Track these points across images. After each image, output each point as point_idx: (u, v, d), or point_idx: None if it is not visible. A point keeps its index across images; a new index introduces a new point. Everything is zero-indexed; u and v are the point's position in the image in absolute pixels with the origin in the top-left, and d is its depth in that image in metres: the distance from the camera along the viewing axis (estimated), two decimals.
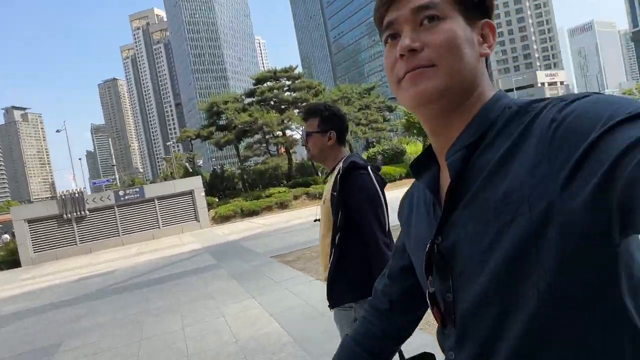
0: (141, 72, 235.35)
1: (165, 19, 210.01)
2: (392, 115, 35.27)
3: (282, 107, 28.09)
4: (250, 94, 29.04)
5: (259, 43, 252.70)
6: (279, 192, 23.87)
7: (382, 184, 1.88)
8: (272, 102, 28.28)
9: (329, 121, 1.95)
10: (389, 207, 1.84)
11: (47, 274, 13.62)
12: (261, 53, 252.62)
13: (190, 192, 20.59)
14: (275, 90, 27.79)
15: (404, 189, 0.88)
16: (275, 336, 4.24)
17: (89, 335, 5.50)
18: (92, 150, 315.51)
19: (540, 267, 0.50)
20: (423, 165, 0.71)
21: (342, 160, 1.91)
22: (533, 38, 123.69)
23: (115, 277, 10.30)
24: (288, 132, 28.46)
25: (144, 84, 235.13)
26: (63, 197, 18.57)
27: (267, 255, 9.34)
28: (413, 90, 0.61)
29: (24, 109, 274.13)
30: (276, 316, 4.88)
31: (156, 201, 20.00)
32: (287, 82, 29.03)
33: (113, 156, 45.81)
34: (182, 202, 20.51)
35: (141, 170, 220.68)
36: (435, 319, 0.67)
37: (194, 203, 20.59)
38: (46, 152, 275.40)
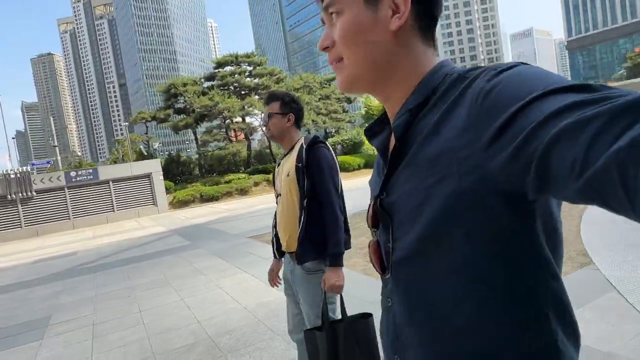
0: (81, 49, 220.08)
1: None
2: (350, 107, 35.95)
3: (243, 92, 27.73)
4: (210, 77, 28.39)
5: (211, 26, 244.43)
6: (239, 178, 23.70)
7: (336, 154, 2.30)
8: (232, 87, 27.81)
9: (288, 105, 2.21)
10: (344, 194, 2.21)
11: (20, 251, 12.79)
12: (213, 37, 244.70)
13: (148, 176, 19.95)
14: (237, 75, 27.36)
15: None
16: (283, 303, 4.50)
17: (79, 309, 5.43)
18: (23, 130, 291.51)
19: (463, 223, 0.56)
20: (376, 131, 0.78)
21: (302, 139, 2.19)
22: (479, 40, 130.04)
23: (80, 258, 9.94)
24: (247, 119, 28.20)
25: (84, 61, 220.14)
26: (7, 176, 17.31)
27: (242, 236, 9.45)
28: (337, 80, 0.72)
29: None
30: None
31: (111, 184, 19.18)
32: (249, 68, 28.66)
33: (55, 137, 42.71)
34: (139, 186, 19.83)
35: (79, 153, 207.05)
36: (376, 267, 0.75)
37: (152, 187, 19.98)
38: None
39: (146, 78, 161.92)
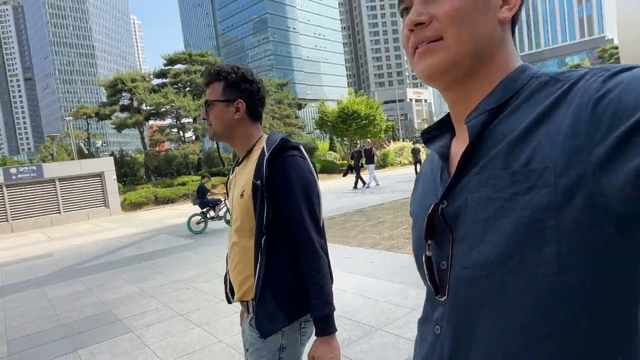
0: None
1: None
2: (301, 113, 36.31)
3: (196, 92, 26.78)
4: (161, 74, 27.03)
5: (134, 23, 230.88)
6: (193, 180, 22.78)
7: (316, 170, 1.53)
8: (186, 86, 26.71)
9: (235, 87, 1.48)
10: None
11: None
12: (136, 34, 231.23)
13: (100, 175, 18.41)
14: (192, 75, 26.35)
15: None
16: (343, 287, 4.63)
17: (140, 302, 5.05)
18: None
19: (556, 243, 0.47)
20: (434, 135, 0.71)
21: (264, 140, 1.48)
22: (405, 59, 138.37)
23: (61, 260, 8.99)
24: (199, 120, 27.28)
25: None
26: None
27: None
28: (422, 65, 0.60)
29: None
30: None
31: (57, 182, 17.39)
32: (201, 68, 27.78)
33: None
34: (89, 185, 18.20)
35: None
36: (428, 284, 0.64)
37: (104, 187, 18.47)
38: None
39: (59, 73, 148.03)
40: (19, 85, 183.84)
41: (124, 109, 25.68)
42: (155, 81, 27.09)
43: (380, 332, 3.40)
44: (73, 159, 26.08)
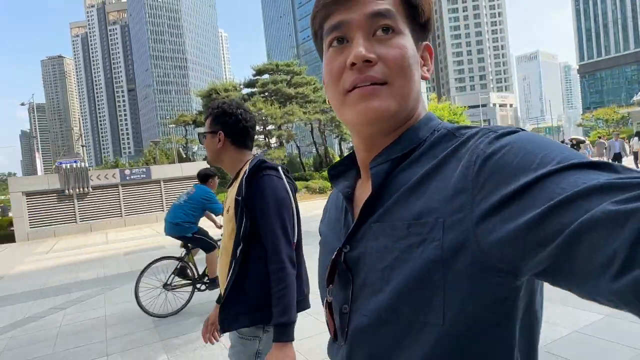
0: (92, 53, 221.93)
1: (123, 0, 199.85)
2: None
3: (282, 100, 28.20)
4: (250, 84, 28.88)
5: (221, 36, 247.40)
6: None
7: (294, 189, 1.69)
8: (273, 95, 28.27)
9: (217, 120, 1.72)
10: (300, 217, 1.68)
11: (68, 248, 12.93)
12: (222, 46, 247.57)
13: None
14: (278, 84, 27.84)
15: None
16: None
17: None
18: (28, 130, 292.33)
19: (442, 294, 0.49)
20: (341, 171, 0.71)
21: (248, 162, 1.68)
22: (489, 61, 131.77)
23: (174, 252, 10.09)
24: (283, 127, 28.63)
25: (94, 65, 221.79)
26: (66, 171, 17.54)
27: None
28: (362, 107, 0.57)
29: None
30: None
31: (162, 183, 19.41)
32: (286, 77, 29.15)
33: (83, 137, 43.06)
34: (188, 186, 20.03)
35: (82, 155, 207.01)
36: (329, 330, 0.65)
37: None
38: None
39: (156, 84, 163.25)
40: (123, 95, 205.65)
41: None
42: (245, 90, 28.95)
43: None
44: (172, 162, 28.75)
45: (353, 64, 0.56)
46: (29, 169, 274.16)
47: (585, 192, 0.37)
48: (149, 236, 13.89)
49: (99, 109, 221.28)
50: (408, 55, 0.57)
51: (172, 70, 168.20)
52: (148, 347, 4.04)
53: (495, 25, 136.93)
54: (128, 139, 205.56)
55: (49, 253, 12.29)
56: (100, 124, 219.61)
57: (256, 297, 1.56)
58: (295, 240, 1.61)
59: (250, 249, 1.57)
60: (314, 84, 29.78)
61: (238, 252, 1.56)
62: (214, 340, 1.82)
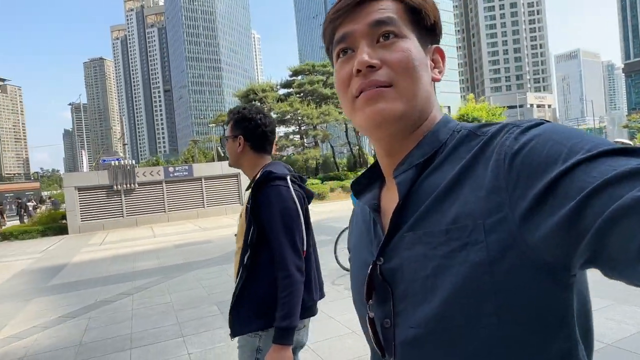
0: (131, 55, 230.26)
1: (160, 3, 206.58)
2: None
3: (317, 100, 28.50)
4: (287, 85, 29.35)
5: (254, 37, 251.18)
6: (312, 184, 24.24)
7: (305, 197, 1.72)
8: (308, 95, 28.62)
9: (238, 124, 1.78)
10: (312, 226, 1.72)
11: (118, 240, 13.61)
12: (255, 47, 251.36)
13: (236, 175, 20.72)
14: (315, 84, 28.18)
15: None
16: None
17: None
18: (70, 129, 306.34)
19: (494, 297, 0.48)
20: (365, 184, 0.71)
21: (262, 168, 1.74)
22: (526, 60, 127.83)
23: (220, 246, 10.49)
24: (318, 127, 28.90)
25: (132, 66, 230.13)
26: (115, 168, 18.43)
27: None
28: (370, 110, 0.58)
29: (3, 79, 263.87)
30: None
31: (203, 180, 20.05)
32: (322, 77, 29.43)
33: (125, 136, 44.75)
34: (227, 184, 20.63)
35: (121, 154, 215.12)
36: (375, 347, 0.63)
37: (239, 186, 20.74)
38: (23, 126, 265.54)
39: (191, 85, 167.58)
40: (159, 96, 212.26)
41: None
42: (281, 91, 29.47)
43: None
44: (209, 160, 29.54)
45: (358, 71, 0.58)
46: (71, 166, 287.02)
47: (616, 179, 0.37)
48: (193, 231, 14.44)
49: (136, 109, 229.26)
50: (412, 57, 0.58)
51: (206, 72, 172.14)
52: (221, 330, 4.31)
53: (534, 23, 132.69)
54: (163, 138, 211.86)
55: (102, 245, 13.00)
56: (138, 124, 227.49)
57: (266, 301, 1.60)
58: (304, 249, 1.64)
59: (259, 255, 1.62)
60: None
61: (245, 259, 1.62)
62: None
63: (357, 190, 0.71)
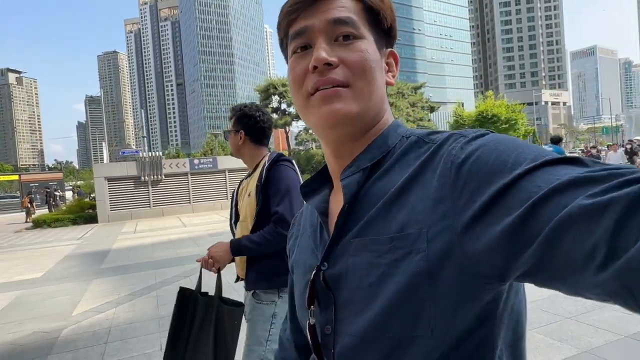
0: (144, 48, 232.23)
1: None
2: (432, 116, 36.24)
3: None
4: None
5: (266, 32, 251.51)
6: None
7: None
8: None
9: (239, 121, 2.03)
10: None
11: (150, 229, 14.06)
12: (267, 42, 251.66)
13: None
14: None
15: None
16: None
17: None
18: (84, 122, 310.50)
19: (432, 305, 0.48)
20: (314, 187, 0.69)
21: (267, 157, 1.99)
22: (542, 57, 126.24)
23: None
24: None
25: (145, 60, 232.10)
26: (143, 159, 18.93)
27: None
28: (325, 109, 0.57)
29: (19, 72, 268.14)
30: None
31: (227, 173, 20.48)
32: None
33: (144, 127, 45.59)
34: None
35: (133, 147, 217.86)
36: (314, 356, 0.62)
37: None
38: (38, 118, 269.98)
39: (204, 79, 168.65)
40: (172, 89, 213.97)
41: (273, 111, 28.78)
42: None
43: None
44: (227, 154, 29.97)
45: (315, 67, 0.57)
46: (84, 158, 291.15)
47: (560, 188, 0.38)
48: (220, 221, 14.84)
49: (149, 102, 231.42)
50: (369, 59, 0.58)
51: (218, 65, 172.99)
52: None
53: (550, 19, 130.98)
54: (175, 131, 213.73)
55: (136, 233, 13.47)
56: (150, 117, 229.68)
57: (274, 263, 1.83)
58: None
59: (263, 224, 1.85)
60: None
61: (252, 226, 1.87)
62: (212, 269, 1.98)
63: (306, 192, 0.69)
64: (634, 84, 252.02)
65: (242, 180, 2.14)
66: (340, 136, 0.60)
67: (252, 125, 2.03)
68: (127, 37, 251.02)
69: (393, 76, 0.64)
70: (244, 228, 1.93)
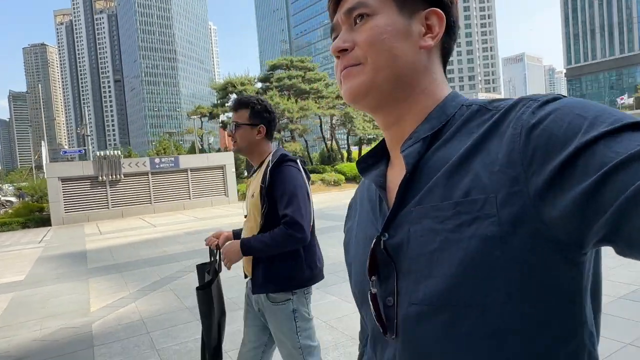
0: (77, 42, 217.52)
1: None
2: None
3: (296, 95, 29.00)
4: (264, 79, 29.62)
5: (210, 29, 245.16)
6: None
7: (309, 180, 1.95)
8: (287, 90, 29.08)
9: (259, 114, 1.94)
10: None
11: (117, 230, 13.60)
12: (211, 39, 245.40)
13: (222, 167, 20.92)
14: (294, 79, 28.65)
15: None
16: None
17: None
18: (7, 119, 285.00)
19: (504, 273, 0.47)
20: (370, 163, 0.70)
21: (271, 154, 1.93)
22: (478, 62, 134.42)
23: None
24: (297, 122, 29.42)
25: (79, 54, 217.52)
26: (100, 159, 18.10)
27: None
28: (344, 87, 0.61)
29: None
30: None
31: (189, 172, 20.09)
32: (301, 73, 29.98)
33: (88, 126, 42.94)
34: (213, 176, 20.77)
35: (66, 146, 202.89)
36: (376, 324, 0.59)
37: (225, 178, 20.95)
38: None
39: (145, 76, 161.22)
40: (109, 86, 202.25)
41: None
42: (258, 84, 29.72)
43: None
44: (180, 154, 29.24)
45: (337, 57, 0.63)
46: (8, 159, 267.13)
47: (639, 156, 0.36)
48: (190, 221, 14.66)
49: (83, 99, 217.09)
50: (379, 32, 0.58)
51: (160, 62, 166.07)
52: None
53: (485, 26, 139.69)
54: (114, 130, 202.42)
55: (103, 235, 12.98)
56: (88, 115, 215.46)
57: (282, 266, 1.84)
58: (312, 223, 1.88)
59: (271, 227, 1.83)
60: (325, 80, 30.67)
61: (260, 228, 1.86)
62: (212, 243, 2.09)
63: (363, 168, 0.70)
64: (557, 89, 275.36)
65: (251, 173, 2.10)
66: (371, 106, 0.63)
67: (271, 121, 1.99)
68: (57, 29, 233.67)
69: (433, 37, 0.61)
70: (249, 226, 1.95)
